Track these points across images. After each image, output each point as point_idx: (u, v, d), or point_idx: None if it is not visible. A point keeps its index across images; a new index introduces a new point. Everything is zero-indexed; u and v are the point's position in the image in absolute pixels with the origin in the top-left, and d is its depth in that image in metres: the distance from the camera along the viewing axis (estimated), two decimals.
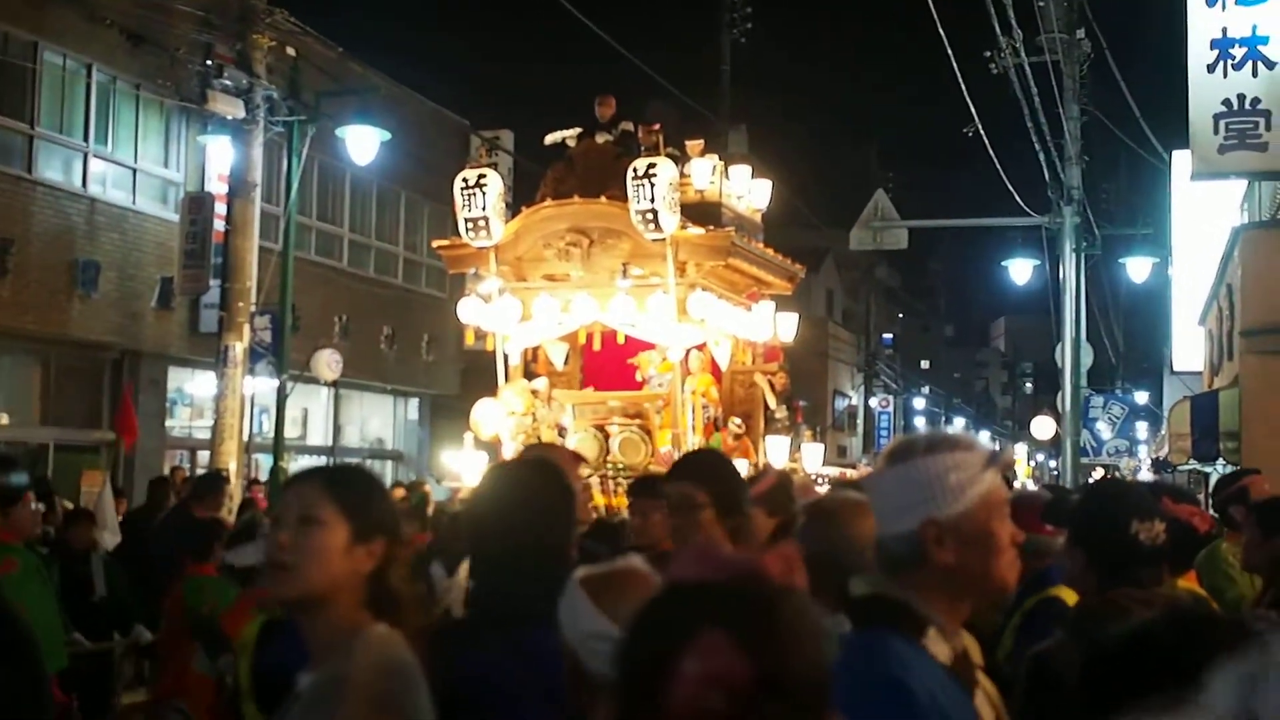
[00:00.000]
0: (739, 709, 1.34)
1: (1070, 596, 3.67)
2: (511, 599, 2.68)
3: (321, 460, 21.35)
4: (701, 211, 10.11)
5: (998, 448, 2.27)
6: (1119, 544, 3.07)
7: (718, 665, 1.34)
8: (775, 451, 10.38)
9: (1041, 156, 17.98)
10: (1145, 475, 27.41)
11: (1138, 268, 22.05)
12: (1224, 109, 13.79)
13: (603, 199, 9.88)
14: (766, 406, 10.79)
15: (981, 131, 17.48)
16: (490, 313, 10.10)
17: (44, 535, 8.67)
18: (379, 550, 2.39)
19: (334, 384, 19.38)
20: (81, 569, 8.50)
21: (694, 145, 10.51)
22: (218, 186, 16.95)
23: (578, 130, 10.61)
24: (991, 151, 17.82)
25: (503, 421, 9.94)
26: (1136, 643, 1.84)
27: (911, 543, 2.11)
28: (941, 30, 14.78)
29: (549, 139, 10.72)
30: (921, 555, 2.10)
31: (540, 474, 3.14)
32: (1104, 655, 1.86)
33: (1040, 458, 57.11)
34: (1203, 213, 22.59)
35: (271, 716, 2.70)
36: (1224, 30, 13.94)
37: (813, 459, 11.33)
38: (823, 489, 7.80)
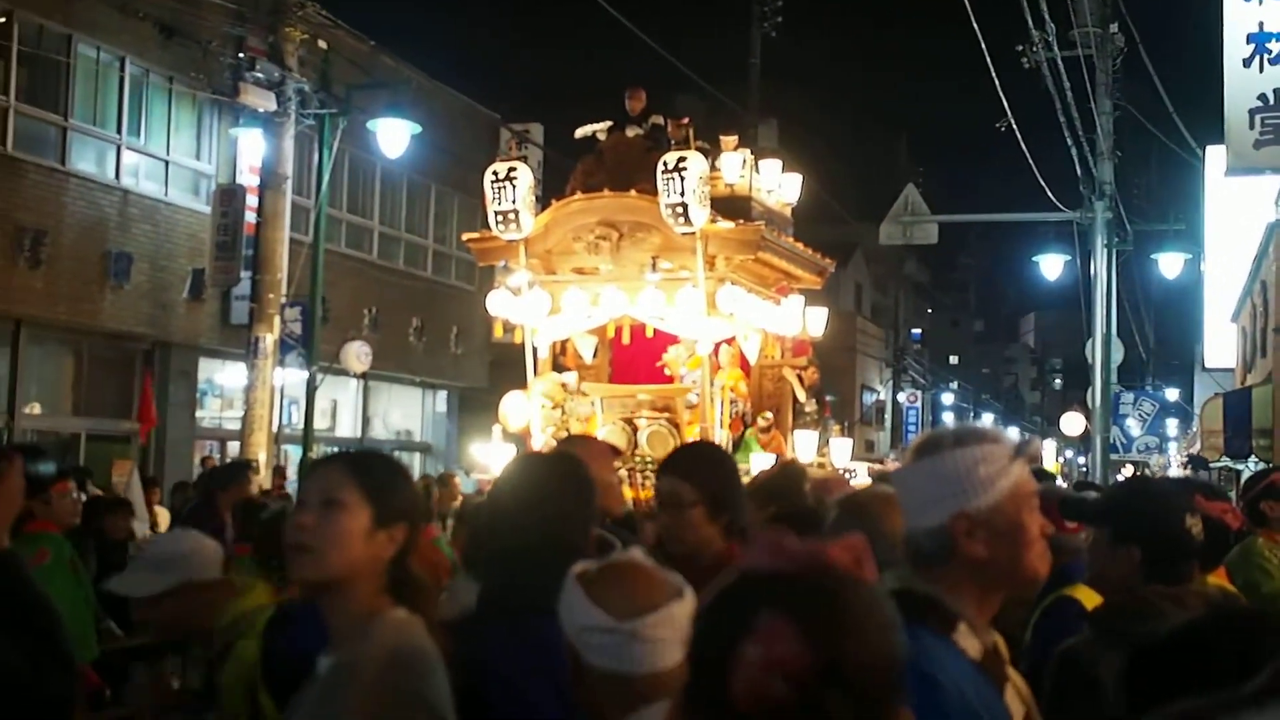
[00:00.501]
0: (801, 696, 1.34)
1: (1087, 595, 3.65)
2: (525, 590, 2.69)
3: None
4: (731, 205, 10.08)
5: (1024, 438, 2.26)
6: (1172, 539, 3.07)
7: (779, 652, 1.35)
8: (803, 446, 10.36)
9: (1073, 151, 17.90)
10: (1176, 472, 27.23)
11: (1169, 264, 21.90)
12: (1260, 104, 13.68)
13: (632, 192, 9.86)
14: (795, 400, 10.77)
15: (1014, 126, 17.42)
16: (519, 305, 10.10)
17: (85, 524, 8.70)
18: (400, 536, 2.39)
19: (363, 376, 19.46)
20: (118, 558, 8.52)
21: (728, 140, 10.48)
22: (249, 179, 17.04)
23: (608, 124, 10.60)
24: (1023, 146, 17.74)
25: (533, 413, 9.95)
26: (1185, 640, 1.82)
27: (941, 537, 2.10)
28: (974, 24, 14.72)
29: (579, 133, 10.72)
30: (952, 549, 2.09)
31: (559, 467, 3.14)
32: (1151, 652, 1.84)
33: (1069, 454, 56.83)
34: (1236, 209, 22.45)
35: (285, 702, 2.71)
36: (1260, 24, 13.83)
37: (841, 454, 11.29)
38: (857, 481, 7.78)
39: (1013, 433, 40.70)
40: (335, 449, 20.57)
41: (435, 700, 2.27)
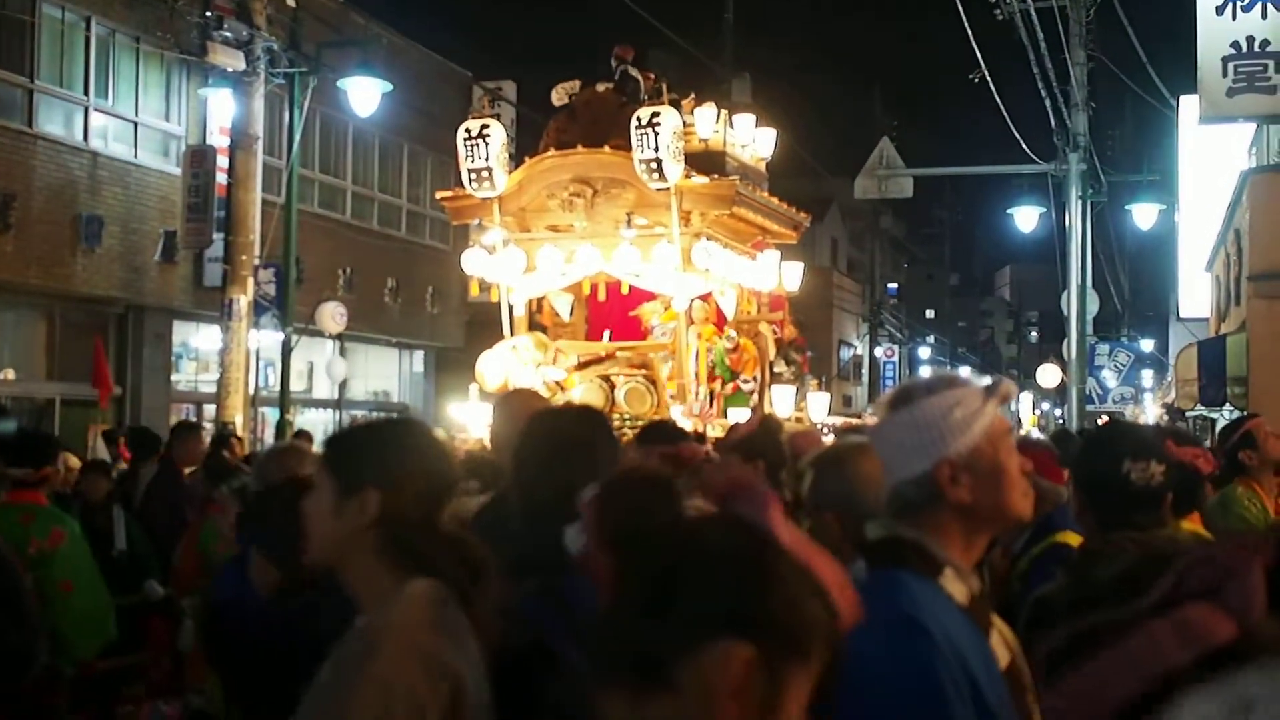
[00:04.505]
0: None
1: (1076, 541, 3.68)
2: (557, 549, 2.69)
3: (328, 414, 21.47)
4: (706, 161, 10.05)
5: (995, 379, 2.26)
6: (1112, 484, 3.08)
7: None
8: (780, 401, 10.38)
9: (1047, 103, 17.88)
10: (1153, 421, 27.40)
11: (1144, 214, 21.94)
12: (1233, 51, 13.69)
13: (606, 149, 9.81)
14: (777, 352, 10.78)
15: (988, 77, 17.37)
16: (494, 264, 10.07)
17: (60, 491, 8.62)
18: (372, 501, 2.32)
19: (339, 337, 19.39)
20: (102, 521, 8.40)
21: (687, 104, 10.44)
22: (219, 139, 16.89)
23: (577, 83, 10.52)
24: (997, 98, 17.72)
25: (512, 369, 9.88)
26: (1118, 585, 1.84)
27: (925, 485, 2.10)
28: None
29: (556, 99, 10.62)
30: (937, 496, 2.09)
31: (588, 422, 3.13)
32: (1089, 599, 1.85)
33: (1046, 406, 57.16)
34: (1210, 158, 22.46)
35: (216, 647, 2.76)
36: None
37: (818, 408, 11.32)
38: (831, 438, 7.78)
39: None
40: (312, 411, 20.59)
41: (447, 657, 2.23)
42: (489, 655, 2.33)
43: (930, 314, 71.15)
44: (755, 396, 10.35)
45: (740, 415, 9.37)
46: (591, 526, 2.58)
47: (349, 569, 2.35)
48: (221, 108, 16.41)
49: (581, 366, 9.97)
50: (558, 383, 9.85)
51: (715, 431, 9.25)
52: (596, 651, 1.37)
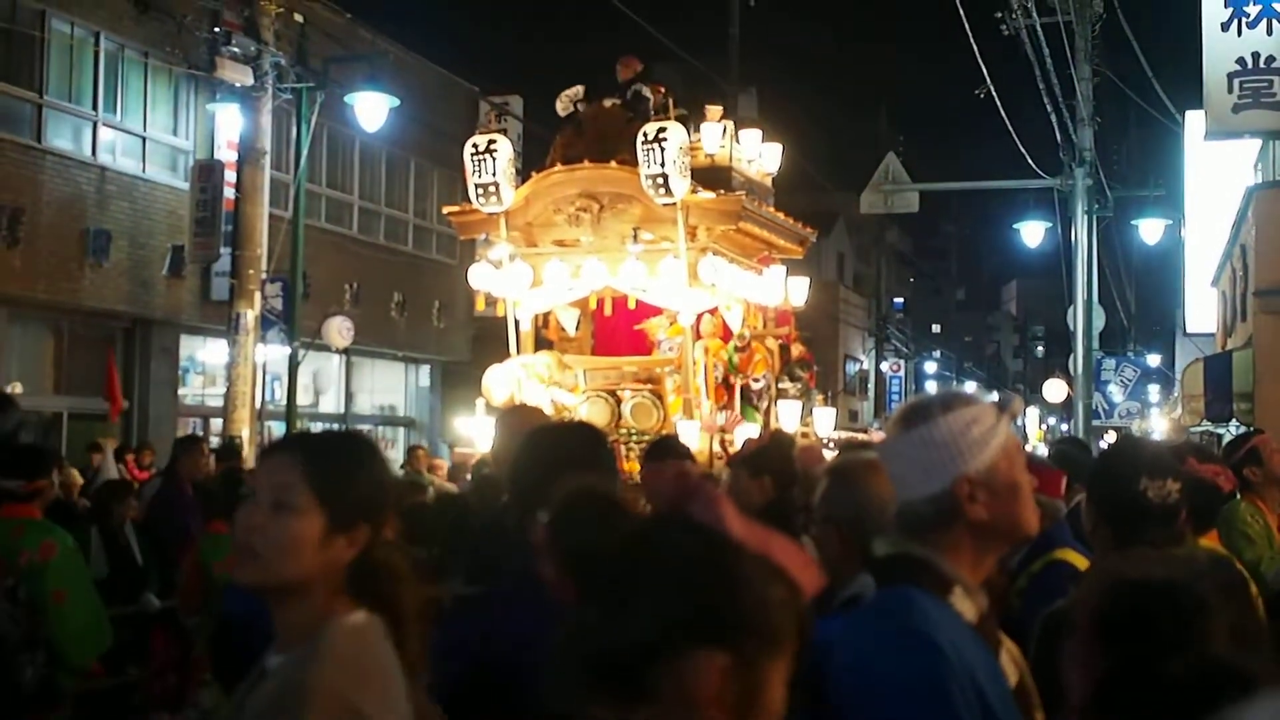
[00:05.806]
0: None
1: (1075, 558, 3.67)
2: None
3: (335, 428, 21.46)
4: (712, 176, 10.06)
5: (1005, 396, 2.27)
6: (1127, 501, 3.08)
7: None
8: (787, 416, 10.37)
9: (1053, 118, 17.91)
10: (1159, 437, 27.35)
11: (1150, 229, 21.94)
12: (1238, 68, 13.69)
13: (613, 164, 9.82)
14: (782, 369, 10.78)
15: (994, 93, 17.41)
16: (501, 278, 10.07)
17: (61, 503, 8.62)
18: (361, 537, 2.19)
19: (345, 351, 19.42)
20: (121, 539, 8.44)
21: (713, 110, 10.45)
22: (227, 154, 16.94)
23: (581, 89, 10.51)
24: (1003, 113, 17.75)
25: (521, 386, 9.88)
26: (1088, 611, 1.89)
27: (942, 503, 2.09)
28: None
29: (561, 110, 10.63)
30: (954, 514, 2.09)
31: (584, 438, 3.13)
32: (1058, 619, 1.89)
33: (1052, 421, 57.06)
34: (1216, 173, 22.48)
35: (225, 663, 2.74)
36: None
37: (824, 423, 11.30)
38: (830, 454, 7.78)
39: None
40: (319, 425, 20.58)
41: (373, 713, 2.05)
42: (424, 688, 2.22)
43: (936, 328, 71.07)
44: (765, 402, 10.35)
45: (750, 431, 9.38)
46: (546, 552, 2.59)
47: (300, 597, 2.15)
48: (229, 123, 16.47)
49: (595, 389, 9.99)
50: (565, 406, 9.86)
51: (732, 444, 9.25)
52: (567, 668, 1.39)
